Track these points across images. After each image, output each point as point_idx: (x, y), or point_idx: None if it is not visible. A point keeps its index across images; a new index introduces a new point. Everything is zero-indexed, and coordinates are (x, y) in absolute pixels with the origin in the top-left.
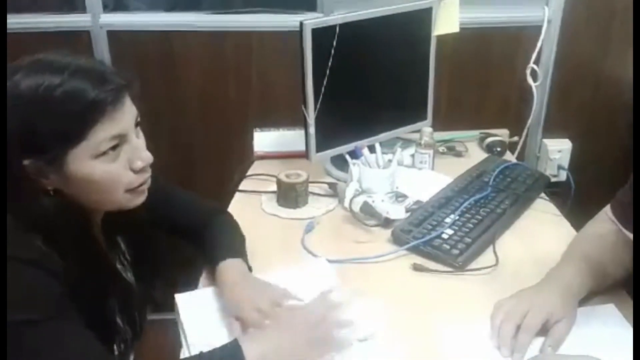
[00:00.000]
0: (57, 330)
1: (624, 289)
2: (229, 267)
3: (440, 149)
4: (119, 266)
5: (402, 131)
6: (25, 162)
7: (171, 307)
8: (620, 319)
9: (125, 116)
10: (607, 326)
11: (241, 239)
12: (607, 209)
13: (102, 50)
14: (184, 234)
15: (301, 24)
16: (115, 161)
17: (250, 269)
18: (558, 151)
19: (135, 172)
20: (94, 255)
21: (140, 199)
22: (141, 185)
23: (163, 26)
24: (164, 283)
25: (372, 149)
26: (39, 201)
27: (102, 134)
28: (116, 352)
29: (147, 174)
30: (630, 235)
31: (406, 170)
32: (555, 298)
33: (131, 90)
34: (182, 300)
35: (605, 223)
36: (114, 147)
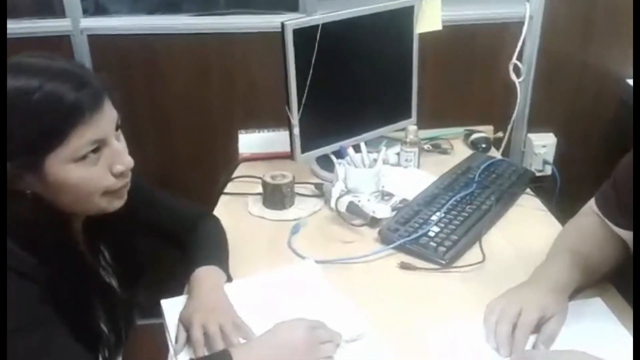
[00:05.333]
0: (41, 338)
1: (610, 282)
2: (202, 275)
3: (426, 146)
4: (101, 271)
5: (386, 130)
6: None
7: (159, 312)
8: (607, 312)
9: (105, 120)
10: (594, 320)
11: (223, 244)
12: (592, 202)
13: (83, 55)
14: (167, 237)
15: (282, 24)
16: (95, 165)
17: (229, 277)
18: (543, 146)
19: (116, 176)
20: (75, 260)
21: (120, 202)
22: (120, 188)
23: (145, 30)
24: (150, 288)
25: (357, 148)
26: (16, 205)
27: (81, 138)
28: (100, 359)
29: (127, 179)
30: (615, 228)
31: (392, 169)
32: (546, 294)
33: (111, 93)
34: (168, 305)
35: (590, 217)
36: (94, 151)
